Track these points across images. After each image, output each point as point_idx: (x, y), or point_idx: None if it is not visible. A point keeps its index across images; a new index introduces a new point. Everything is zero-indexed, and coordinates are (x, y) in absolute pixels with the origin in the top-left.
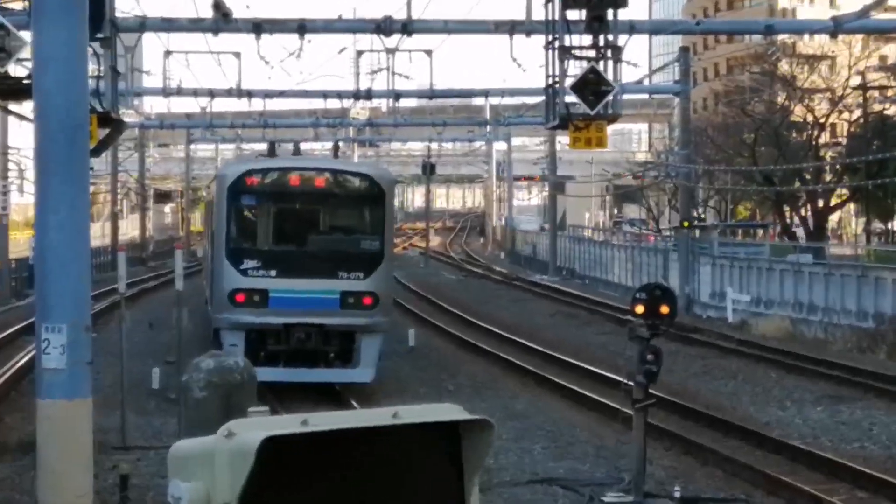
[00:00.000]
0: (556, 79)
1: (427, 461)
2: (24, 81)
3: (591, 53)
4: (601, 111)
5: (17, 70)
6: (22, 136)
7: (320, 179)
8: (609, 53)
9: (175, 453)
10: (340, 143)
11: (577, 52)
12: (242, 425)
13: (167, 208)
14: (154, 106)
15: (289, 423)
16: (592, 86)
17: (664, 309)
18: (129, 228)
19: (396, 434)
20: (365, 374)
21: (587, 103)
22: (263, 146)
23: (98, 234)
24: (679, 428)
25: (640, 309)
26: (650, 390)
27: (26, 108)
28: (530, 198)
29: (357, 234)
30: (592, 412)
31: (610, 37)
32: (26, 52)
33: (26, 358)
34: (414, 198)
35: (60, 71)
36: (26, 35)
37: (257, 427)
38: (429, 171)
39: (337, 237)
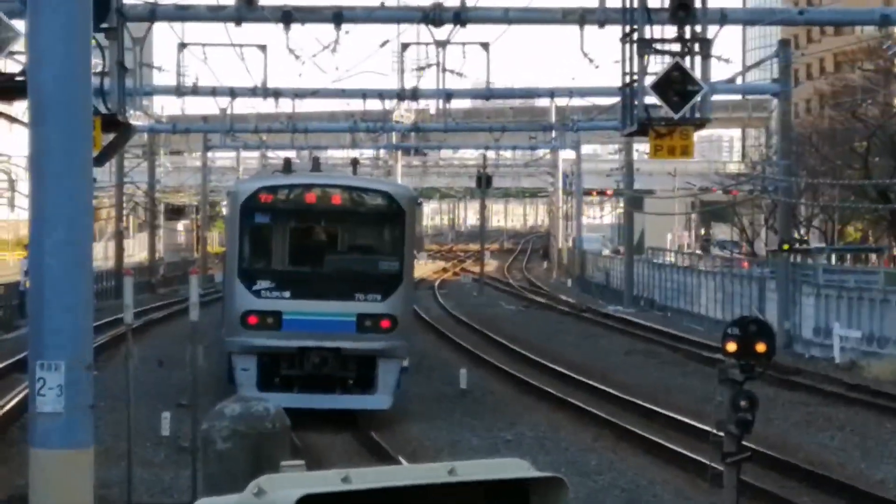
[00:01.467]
0: (635, 77)
1: None
2: (18, 78)
3: (676, 47)
4: (687, 115)
5: (8, 65)
6: (13, 140)
7: (337, 197)
8: (696, 47)
9: None
10: (382, 152)
11: (659, 46)
12: (274, 482)
13: (180, 226)
14: (166, 107)
15: (327, 480)
16: (677, 85)
17: (760, 347)
18: (136, 249)
19: (453, 493)
20: (383, 400)
21: (670, 105)
22: (292, 153)
23: (100, 255)
24: (777, 487)
25: (732, 347)
26: (744, 442)
27: (18, 108)
28: (602, 215)
29: (375, 254)
30: (676, 468)
31: (698, 28)
32: (20, 45)
33: (16, 400)
34: (467, 215)
35: (59, 66)
36: (20, 25)
37: (291, 484)
38: (484, 183)
39: (354, 257)
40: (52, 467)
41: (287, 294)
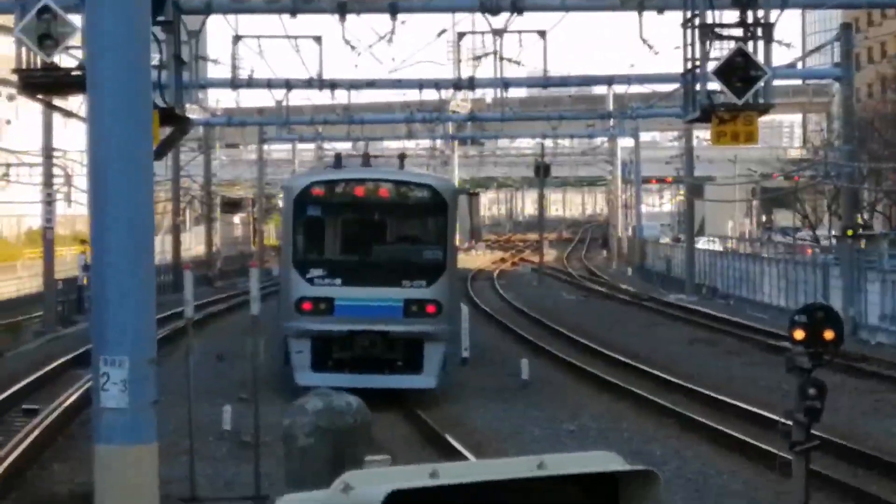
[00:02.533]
0: (697, 63)
1: None
2: (74, 73)
3: (738, 32)
4: (750, 100)
5: (64, 60)
6: (69, 135)
7: (384, 190)
8: (759, 32)
9: None
10: (439, 142)
11: (720, 31)
12: (361, 477)
13: (236, 219)
14: (221, 100)
15: (415, 475)
16: (740, 70)
17: (828, 334)
18: (193, 242)
19: (542, 487)
20: (429, 380)
21: (734, 91)
22: (347, 145)
23: (157, 248)
24: (847, 475)
25: (799, 334)
26: (812, 431)
27: (73, 103)
28: (661, 203)
29: (420, 244)
30: (743, 457)
31: (760, 12)
32: (76, 40)
33: (75, 396)
34: (524, 204)
35: (119, 60)
36: (76, 19)
37: (378, 479)
38: (542, 172)
39: (401, 246)
40: (116, 463)
41: (338, 281)
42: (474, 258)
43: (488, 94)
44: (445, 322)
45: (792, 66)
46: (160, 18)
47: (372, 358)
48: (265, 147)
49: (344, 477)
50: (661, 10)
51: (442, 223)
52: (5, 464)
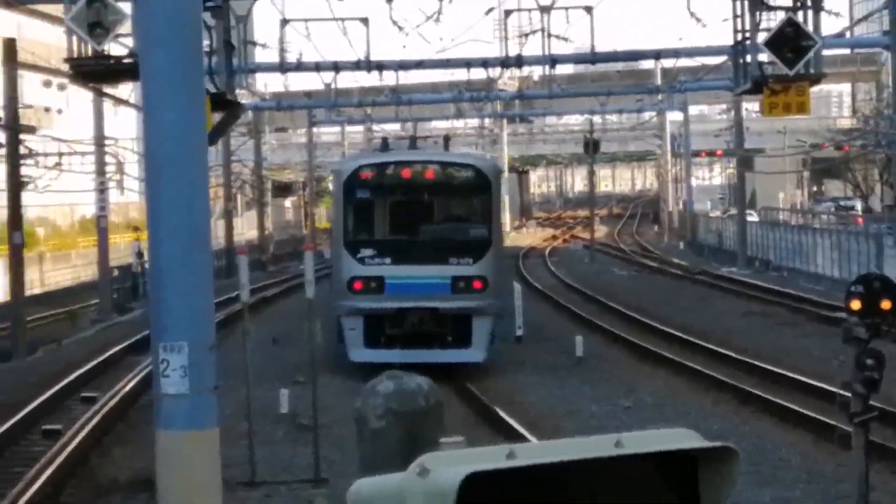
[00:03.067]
0: (747, 34)
1: (657, 499)
2: (125, 61)
3: (788, 2)
4: (801, 70)
5: (114, 48)
6: (120, 123)
7: (430, 171)
8: (808, 1)
9: (357, 495)
10: (487, 121)
11: (770, 2)
12: (437, 459)
13: (288, 202)
14: (269, 84)
15: (492, 456)
16: (791, 41)
17: (886, 304)
18: (245, 227)
19: (620, 466)
20: (478, 354)
21: (785, 62)
22: (396, 126)
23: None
24: None
25: (856, 305)
26: (871, 402)
27: (122, 91)
28: (712, 176)
29: (466, 222)
30: (802, 430)
31: None
32: (126, 28)
33: (133, 382)
34: (574, 181)
35: (171, 47)
36: (125, 7)
37: (454, 461)
38: (592, 148)
39: (447, 226)
40: (178, 449)
41: (388, 261)
42: (525, 236)
43: (536, 72)
44: (492, 297)
45: (840, 35)
46: (209, 4)
47: (422, 334)
48: (314, 130)
49: (420, 460)
50: None
51: (486, 202)
52: (67, 450)
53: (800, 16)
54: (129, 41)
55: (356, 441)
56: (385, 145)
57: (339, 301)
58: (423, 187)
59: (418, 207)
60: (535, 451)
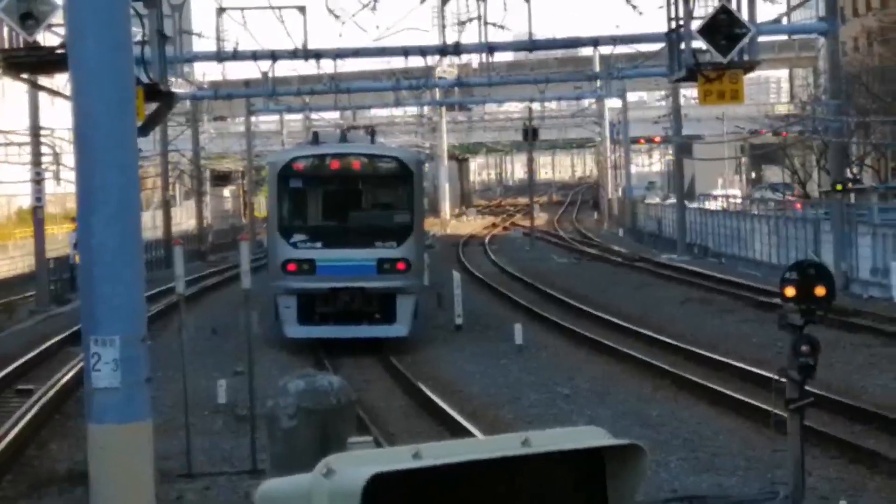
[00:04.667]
0: (681, 22)
1: (565, 497)
2: (58, 52)
3: None
4: (735, 58)
5: (47, 39)
6: (55, 114)
7: (357, 163)
8: None
9: (264, 496)
10: (426, 108)
11: None
12: (343, 460)
13: (227, 192)
14: (207, 73)
15: (398, 457)
16: (724, 28)
17: (820, 290)
18: (184, 217)
19: (528, 465)
20: (402, 329)
21: (719, 49)
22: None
23: (148, 224)
24: (843, 432)
25: (790, 291)
26: (807, 388)
27: (58, 81)
28: (651, 163)
29: (390, 209)
30: (738, 416)
31: None
32: (58, 17)
33: (71, 373)
34: (514, 168)
35: (101, 37)
36: None
37: (361, 462)
38: (531, 135)
39: (373, 212)
40: (110, 442)
41: (319, 244)
42: (465, 224)
43: (474, 60)
44: (414, 277)
45: (777, 21)
46: None
47: (351, 311)
48: (253, 119)
49: (326, 460)
50: None
51: (409, 190)
52: (3, 443)
53: (734, 3)
54: (63, 31)
55: (267, 441)
56: (315, 139)
57: (274, 281)
58: (351, 177)
59: (346, 196)
60: (441, 450)
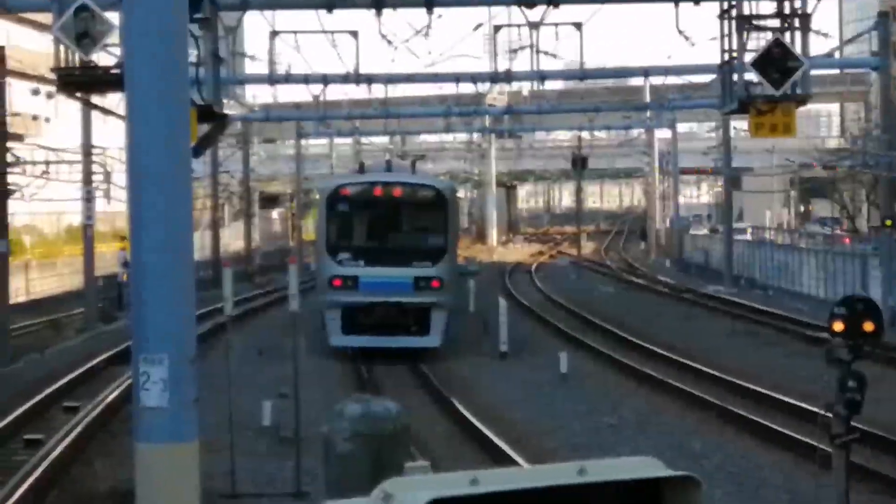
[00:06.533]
0: (734, 54)
1: None
2: (113, 71)
3: (776, 23)
4: (788, 91)
5: (102, 58)
6: (107, 132)
7: (398, 190)
8: (796, 22)
9: None
10: (476, 135)
11: (758, 22)
12: (401, 485)
13: (275, 214)
14: (258, 95)
15: (455, 483)
16: (778, 61)
17: (868, 326)
18: (232, 238)
19: (584, 495)
20: (434, 340)
21: (771, 82)
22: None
23: (196, 244)
24: (888, 468)
25: (838, 326)
26: (853, 423)
27: (110, 100)
28: (699, 195)
29: (426, 233)
30: (783, 450)
31: (797, 2)
32: (114, 37)
33: (117, 392)
34: (562, 197)
35: (157, 58)
36: (114, 17)
37: (418, 487)
38: (579, 164)
39: (411, 235)
40: (157, 462)
41: (362, 263)
42: (512, 251)
43: (525, 87)
44: (447, 294)
45: (829, 55)
46: (197, 15)
47: (389, 323)
48: (303, 142)
49: (383, 485)
50: (697, 1)
51: (443, 216)
52: (49, 459)
53: (787, 36)
54: (118, 51)
55: (323, 464)
56: (361, 168)
57: (321, 296)
58: (392, 203)
59: (387, 220)
60: (498, 477)
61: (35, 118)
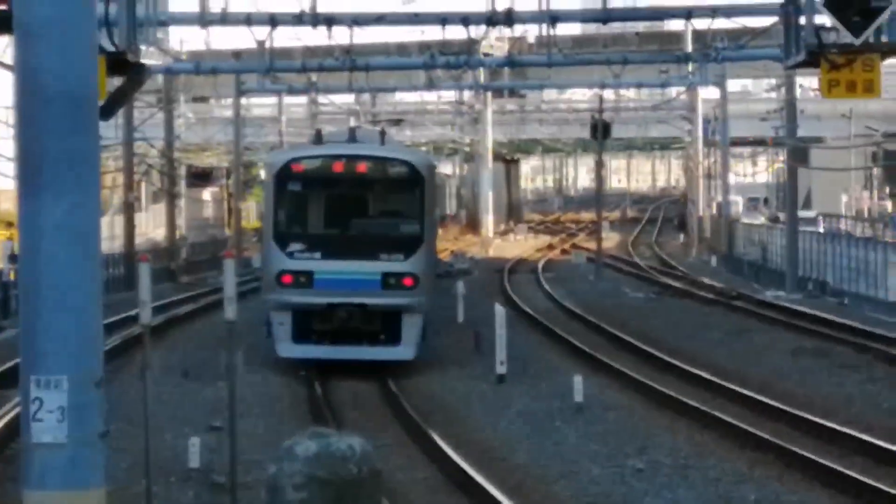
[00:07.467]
0: None
1: None
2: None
3: None
4: (871, 39)
5: None
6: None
7: (362, 166)
8: None
9: None
10: (467, 93)
11: None
12: None
13: (207, 194)
14: (186, 40)
15: None
16: (858, 1)
17: None
18: (151, 225)
19: None
20: (407, 351)
21: (849, 28)
22: (350, 98)
23: (105, 233)
24: None
25: None
26: None
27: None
28: (755, 172)
29: (397, 218)
30: (859, 501)
31: None
32: None
33: (0, 423)
34: (578, 174)
35: None
36: None
37: None
38: (601, 132)
39: (378, 221)
40: None
41: (318, 255)
42: (513, 244)
43: (531, 33)
44: (423, 295)
45: None
46: None
47: (351, 330)
48: (244, 102)
49: None
50: None
51: (419, 198)
52: None
53: None
54: None
55: None
56: (318, 138)
57: (267, 294)
58: (355, 182)
59: (350, 202)
60: None
61: None
